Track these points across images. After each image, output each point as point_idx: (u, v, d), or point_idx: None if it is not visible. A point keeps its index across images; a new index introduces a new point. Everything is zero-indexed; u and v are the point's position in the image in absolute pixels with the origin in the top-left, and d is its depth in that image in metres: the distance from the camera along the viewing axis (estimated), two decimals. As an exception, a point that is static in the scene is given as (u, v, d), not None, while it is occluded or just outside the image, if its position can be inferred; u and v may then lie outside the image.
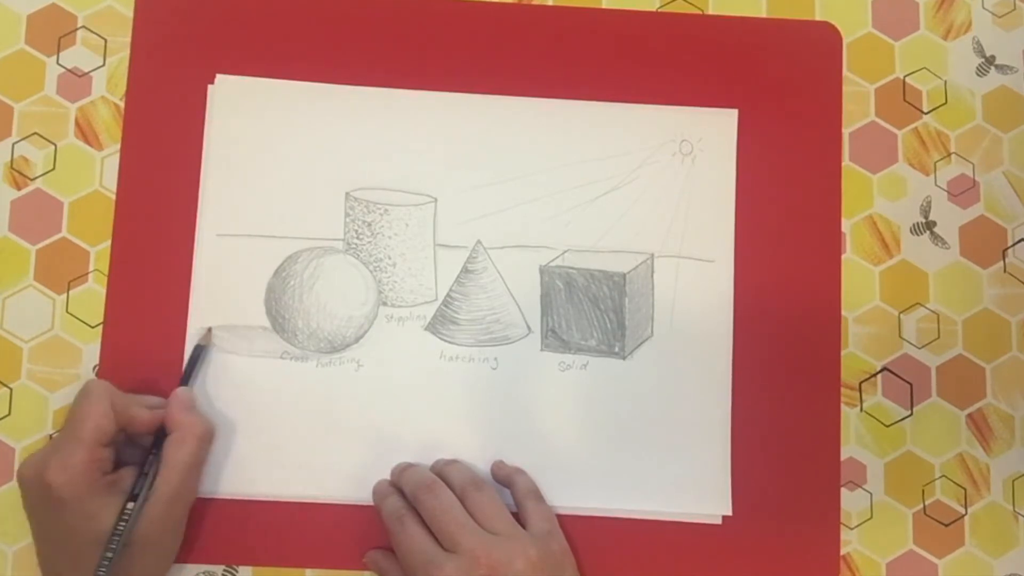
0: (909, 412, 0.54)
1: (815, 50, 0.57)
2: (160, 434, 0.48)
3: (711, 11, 0.57)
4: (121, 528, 0.44)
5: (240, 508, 0.51)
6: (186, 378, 0.51)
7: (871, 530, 0.53)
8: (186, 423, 0.48)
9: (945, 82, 0.57)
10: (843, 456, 0.53)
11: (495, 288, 0.54)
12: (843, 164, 0.56)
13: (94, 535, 0.44)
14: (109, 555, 0.44)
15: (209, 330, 0.52)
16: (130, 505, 0.45)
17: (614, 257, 0.54)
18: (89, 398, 0.46)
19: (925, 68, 0.57)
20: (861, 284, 0.55)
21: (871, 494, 0.53)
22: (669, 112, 0.55)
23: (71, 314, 0.53)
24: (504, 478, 0.51)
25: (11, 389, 0.52)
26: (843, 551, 0.53)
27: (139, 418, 0.48)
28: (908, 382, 0.54)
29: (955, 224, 0.56)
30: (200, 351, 0.52)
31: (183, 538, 0.49)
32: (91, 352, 0.52)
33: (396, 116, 0.55)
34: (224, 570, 0.51)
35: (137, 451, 0.48)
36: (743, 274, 0.54)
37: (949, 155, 0.56)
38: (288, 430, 0.52)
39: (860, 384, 0.54)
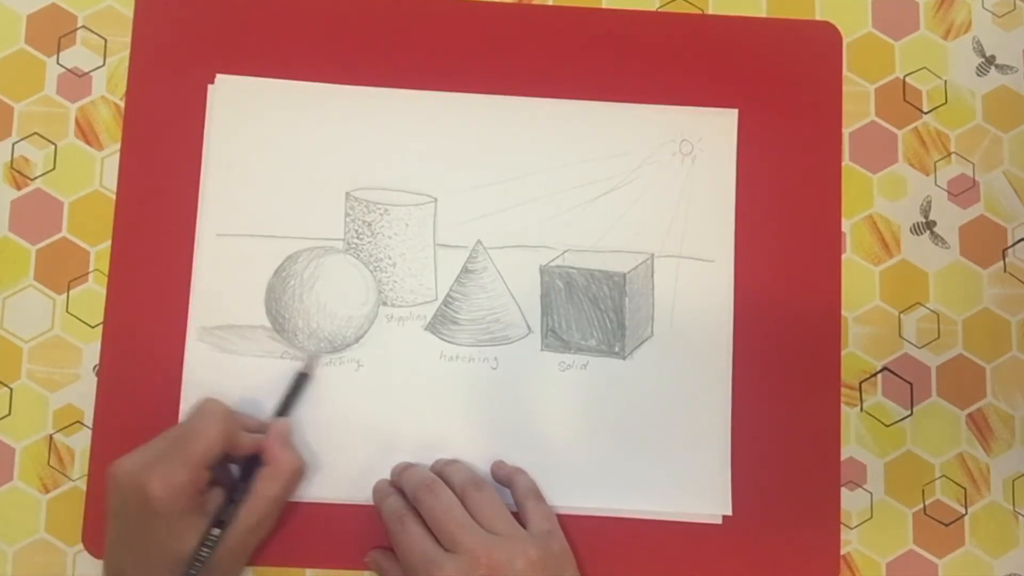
0: (909, 412, 0.54)
1: (815, 50, 0.57)
2: (253, 460, 0.48)
3: (711, 11, 0.57)
4: (204, 553, 0.44)
5: (240, 508, 0.51)
6: (285, 408, 0.51)
7: (871, 530, 0.53)
8: (281, 459, 0.48)
9: (945, 82, 0.57)
10: (843, 456, 0.53)
11: (495, 288, 0.54)
12: (843, 164, 0.56)
13: (173, 553, 0.44)
14: None
15: (316, 356, 0.52)
16: (215, 530, 0.45)
17: (614, 257, 0.54)
18: (206, 419, 0.46)
19: (925, 68, 0.57)
20: (861, 284, 0.55)
21: (871, 494, 0.53)
22: (669, 112, 0.55)
23: (71, 314, 0.53)
24: (504, 478, 0.51)
25: (11, 389, 0.52)
26: (843, 551, 0.53)
27: (241, 444, 0.48)
28: (908, 382, 0.54)
29: (955, 224, 0.56)
30: (303, 380, 0.51)
31: (245, 566, 0.49)
32: (91, 352, 0.52)
33: (396, 116, 0.55)
34: (224, 570, 0.51)
35: (223, 467, 0.48)
36: (743, 274, 0.54)
37: (949, 155, 0.56)
38: (288, 430, 0.52)
39: (860, 384, 0.54)
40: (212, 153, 0.54)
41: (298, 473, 0.49)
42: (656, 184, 0.55)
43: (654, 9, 0.57)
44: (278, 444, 0.48)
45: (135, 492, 0.44)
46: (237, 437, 0.47)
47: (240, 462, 0.48)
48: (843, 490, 0.53)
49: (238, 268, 0.53)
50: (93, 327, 0.53)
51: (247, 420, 0.50)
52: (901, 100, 0.57)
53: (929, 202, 0.56)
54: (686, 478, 0.52)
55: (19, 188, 0.54)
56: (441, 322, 0.53)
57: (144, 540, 0.45)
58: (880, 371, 0.54)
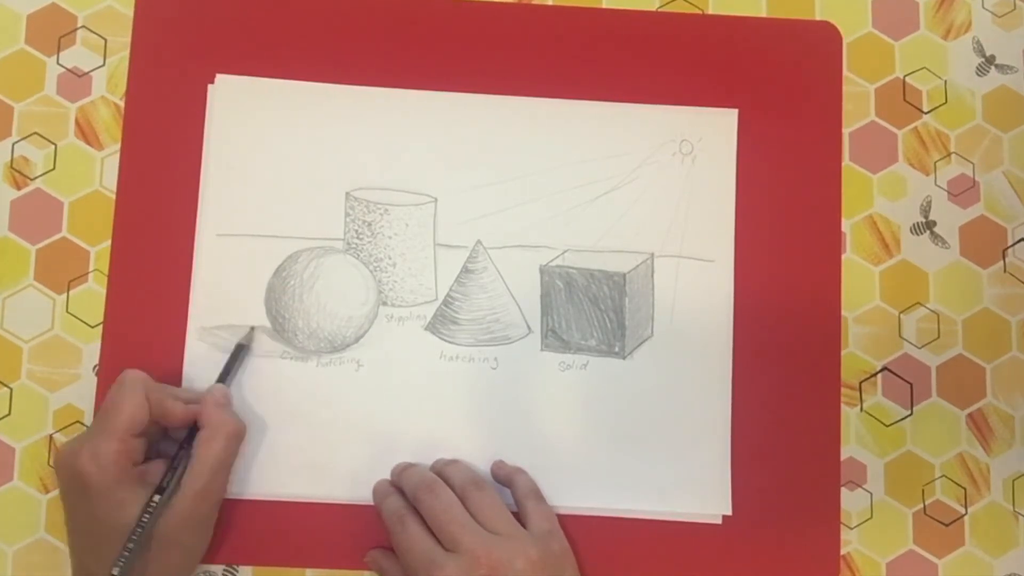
0: (909, 412, 0.54)
1: (815, 50, 0.57)
2: (193, 429, 0.48)
3: (711, 11, 0.57)
4: (145, 520, 0.44)
5: (240, 508, 0.51)
6: (223, 376, 0.51)
7: (871, 530, 0.53)
8: (218, 421, 0.48)
9: (945, 82, 0.57)
10: (843, 456, 0.53)
11: (495, 288, 0.54)
12: (843, 164, 0.56)
13: (120, 525, 0.44)
14: (130, 546, 0.44)
15: (252, 329, 0.52)
16: (156, 498, 0.45)
17: (614, 257, 0.54)
18: (124, 388, 0.47)
19: (925, 68, 0.57)
20: (861, 284, 0.55)
21: (871, 494, 0.53)
22: (669, 112, 0.55)
23: (71, 314, 0.53)
24: (504, 478, 0.51)
25: (11, 389, 0.52)
26: (843, 551, 0.53)
27: (173, 412, 0.48)
28: (908, 382, 0.54)
29: (955, 224, 0.56)
30: (241, 350, 0.52)
31: (210, 538, 0.49)
32: (91, 352, 0.52)
33: (396, 116, 0.55)
34: (224, 570, 0.51)
35: (171, 443, 0.48)
36: (743, 274, 0.54)
37: (949, 155, 0.56)
38: (288, 430, 0.52)
39: (860, 384, 0.54)
40: (212, 153, 0.54)
41: (237, 435, 0.48)
42: (656, 184, 0.55)
43: (654, 9, 0.57)
44: (214, 407, 0.48)
45: (70, 472, 0.45)
46: (164, 404, 0.47)
47: (181, 433, 0.48)
48: (843, 490, 0.53)
49: (238, 268, 0.53)
50: (93, 327, 0.53)
51: (183, 393, 0.50)
52: (901, 100, 0.57)
53: (929, 202, 0.56)
54: (686, 478, 0.52)
55: (19, 188, 0.54)
56: (441, 322, 0.53)
57: (88, 518, 0.45)
58: (880, 371, 0.54)
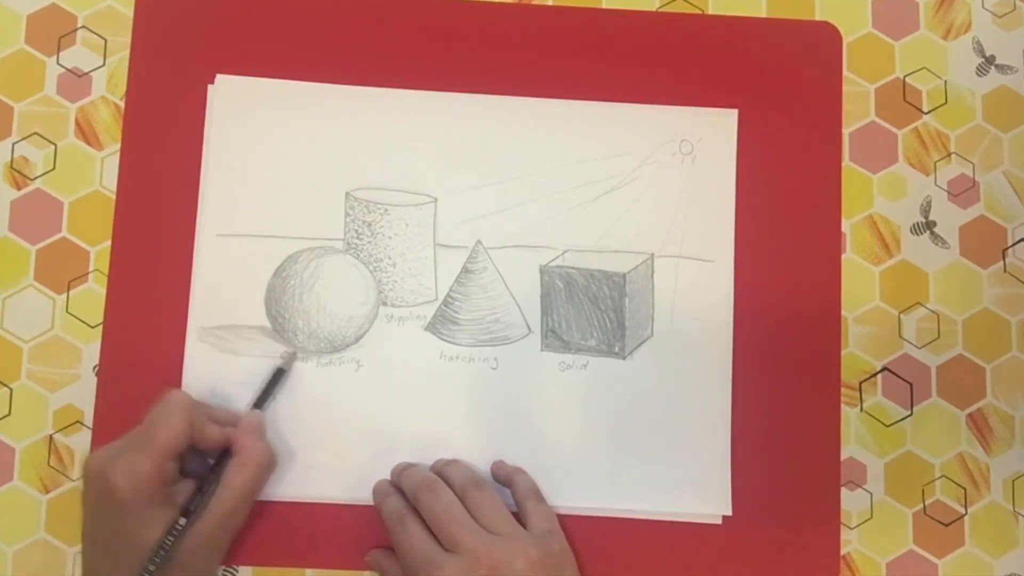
0: (909, 412, 0.54)
1: (815, 50, 0.57)
2: (225, 453, 0.48)
3: (711, 11, 0.57)
4: (168, 542, 0.44)
5: (240, 508, 0.51)
6: (260, 401, 0.51)
7: (871, 530, 0.53)
8: (250, 449, 0.48)
9: (945, 82, 0.57)
10: (843, 456, 0.53)
11: (495, 288, 0.54)
12: (843, 164, 0.56)
13: (141, 543, 0.44)
14: (151, 567, 0.44)
15: (292, 354, 0.52)
16: (181, 520, 0.45)
17: (614, 257, 0.54)
18: (169, 410, 0.46)
19: (925, 68, 0.57)
20: (861, 284, 0.55)
21: (871, 494, 0.53)
22: (669, 112, 0.55)
23: (71, 314, 0.53)
24: (504, 478, 0.51)
25: (11, 389, 0.52)
26: (843, 551, 0.53)
27: (210, 436, 0.48)
28: (908, 382, 0.54)
29: (955, 224, 0.56)
30: (280, 375, 0.51)
31: (221, 563, 0.49)
32: (91, 352, 0.52)
33: (396, 116, 0.55)
34: (224, 570, 0.51)
35: (197, 460, 0.48)
36: (743, 274, 0.54)
37: (949, 155, 0.56)
38: (288, 430, 0.52)
39: (860, 384, 0.54)
40: (212, 153, 0.54)
41: (268, 465, 0.48)
42: (656, 184, 0.55)
43: (654, 9, 0.57)
44: (248, 435, 0.48)
45: (101, 483, 0.44)
46: (203, 428, 0.47)
47: (213, 455, 0.48)
48: (843, 490, 0.53)
49: (238, 268, 0.53)
50: (93, 327, 0.53)
51: (219, 413, 0.50)
52: (901, 100, 0.57)
53: (929, 202, 0.56)
54: (686, 478, 0.52)
55: (19, 188, 0.54)
56: (441, 322, 0.53)
57: (112, 531, 0.45)
58: (880, 371, 0.54)
